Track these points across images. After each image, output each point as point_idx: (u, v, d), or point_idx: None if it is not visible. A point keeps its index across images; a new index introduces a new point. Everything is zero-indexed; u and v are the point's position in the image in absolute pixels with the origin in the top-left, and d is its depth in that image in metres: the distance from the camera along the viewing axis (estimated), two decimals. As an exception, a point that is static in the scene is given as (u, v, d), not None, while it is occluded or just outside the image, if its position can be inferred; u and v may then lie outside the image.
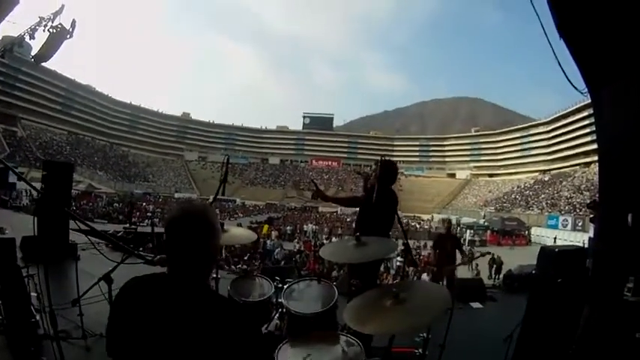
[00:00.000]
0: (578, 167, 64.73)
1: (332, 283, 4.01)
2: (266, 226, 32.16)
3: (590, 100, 5.34)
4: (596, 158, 7.09)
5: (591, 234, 7.97)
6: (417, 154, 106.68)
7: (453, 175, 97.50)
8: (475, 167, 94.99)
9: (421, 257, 26.77)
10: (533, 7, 4.62)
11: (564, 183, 61.32)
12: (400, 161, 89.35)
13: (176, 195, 72.76)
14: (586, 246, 9.02)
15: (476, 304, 9.21)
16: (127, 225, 17.85)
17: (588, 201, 36.96)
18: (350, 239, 3.42)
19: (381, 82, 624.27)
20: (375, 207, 4.20)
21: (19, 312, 4.19)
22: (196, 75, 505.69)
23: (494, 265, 23.32)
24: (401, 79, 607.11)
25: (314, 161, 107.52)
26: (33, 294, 4.58)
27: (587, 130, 59.06)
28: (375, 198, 4.15)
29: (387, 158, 4.85)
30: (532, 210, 56.68)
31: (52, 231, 7.70)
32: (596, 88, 4.95)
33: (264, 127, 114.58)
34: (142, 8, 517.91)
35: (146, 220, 31.31)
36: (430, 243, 34.25)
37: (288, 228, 39.26)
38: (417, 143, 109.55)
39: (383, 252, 3.70)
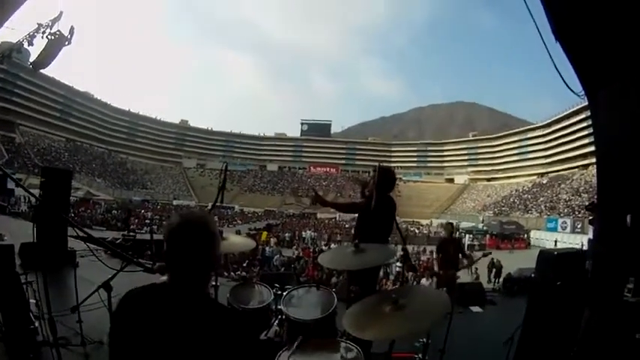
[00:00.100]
0: (576, 170, 64.81)
1: (331, 289, 4.00)
2: (265, 233, 32.18)
3: (587, 103, 5.35)
4: (594, 160, 7.09)
5: (590, 236, 7.98)
6: (415, 159, 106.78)
7: (451, 180, 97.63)
8: (473, 172, 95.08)
9: (420, 262, 26.78)
10: (529, 10, 4.64)
11: (563, 186, 61.45)
12: (398, 167, 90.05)
13: (174, 202, 72.63)
14: (584, 248, 9.03)
15: (475, 308, 9.21)
16: (126, 232, 17.83)
17: (587, 203, 37.05)
18: (348, 246, 3.43)
19: (378, 89, 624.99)
20: (373, 214, 4.20)
21: (18, 319, 4.18)
22: (195, 83, 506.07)
23: (494, 269, 23.34)
24: (398, 85, 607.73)
25: (312, 168, 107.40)
26: (32, 301, 4.57)
27: (585, 133, 59.16)
28: (374, 205, 4.16)
29: (384, 165, 4.86)
30: (531, 213, 56.76)
31: (51, 238, 7.70)
32: (592, 90, 4.96)
33: (262, 134, 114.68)
34: (140, 16, 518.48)
35: (145, 228, 31.26)
36: (429, 248, 34.49)
37: (287, 234, 39.22)
38: (415, 149, 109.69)
39: (381, 258, 3.72)
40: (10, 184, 23.77)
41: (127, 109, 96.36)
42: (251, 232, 33.70)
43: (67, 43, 12.24)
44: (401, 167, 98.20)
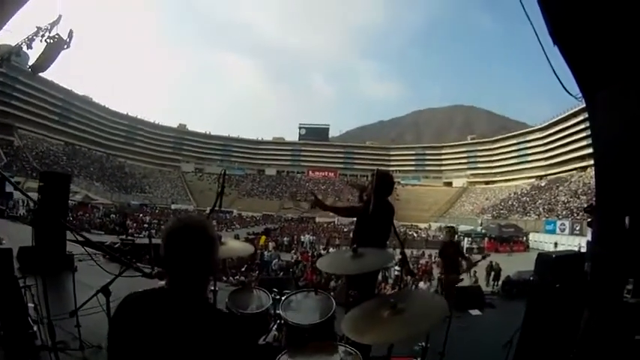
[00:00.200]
0: (574, 172, 64.94)
1: (330, 293, 4.00)
2: (263, 237, 32.10)
3: (584, 105, 5.36)
4: (592, 162, 7.12)
5: (589, 238, 7.98)
6: (413, 163, 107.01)
7: (449, 184, 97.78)
8: (471, 175, 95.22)
9: (419, 266, 26.80)
10: (526, 13, 4.64)
11: (561, 188, 61.52)
12: (396, 171, 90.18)
13: (173, 206, 72.56)
14: (582, 250, 9.02)
15: (474, 311, 9.20)
16: (124, 236, 17.80)
17: (585, 205, 37.03)
18: (347, 251, 3.44)
19: (376, 92, 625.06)
20: (371, 218, 4.21)
21: (16, 323, 4.17)
22: (193, 86, 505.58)
23: (493, 272, 23.35)
24: (396, 88, 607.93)
25: (310, 172, 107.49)
26: (30, 305, 4.56)
27: (583, 135, 59.44)
28: (372, 209, 4.17)
29: (382, 169, 4.87)
30: (529, 216, 56.83)
31: (49, 242, 7.69)
32: (590, 92, 4.96)
33: (260, 139, 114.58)
34: (139, 19, 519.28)
35: (143, 232, 31.23)
36: (428, 251, 34.52)
37: (286, 239, 39.17)
38: (413, 152, 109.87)
39: (380, 263, 3.71)
40: (9, 188, 23.73)
41: (126, 112, 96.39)
42: (249, 237, 33.72)
43: (65, 46, 12.26)
44: (399, 171, 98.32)
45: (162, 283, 1.68)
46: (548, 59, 4.74)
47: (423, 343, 3.57)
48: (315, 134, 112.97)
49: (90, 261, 5.63)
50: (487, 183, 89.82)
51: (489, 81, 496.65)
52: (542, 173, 76.33)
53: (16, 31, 11.60)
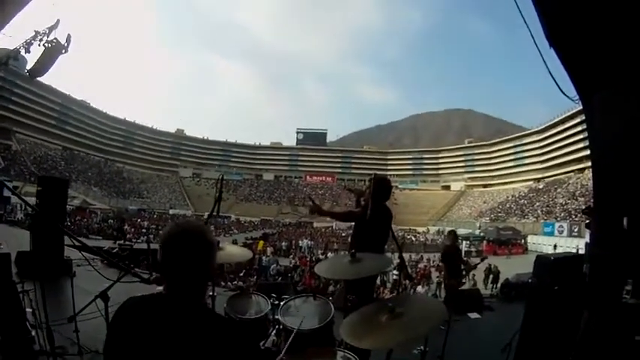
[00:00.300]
0: (572, 174, 64.95)
1: (328, 298, 4.00)
2: (261, 242, 32.10)
3: (581, 107, 5.37)
4: (589, 164, 7.14)
5: (587, 239, 7.98)
6: (411, 167, 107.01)
7: (447, 187, 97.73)
8: (469, 178, 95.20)
9: (417, 270, 26.81)
10: (522, 16, 4.66)
11: (559, 190, 61.53)
12: (394, 175, 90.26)
13: (171, 211, 72.59)
14: (580, 252, 9.01)
15: (473, 315, 9.19)
16: (122, 241, 17.75)
17: (583, 207, 37.05)
18: (345, 255, 3.43)
19: (374, 97, 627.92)
20: (369, 223, 4.21)
21: (15, 328, 4.16)
22: (190, 92, 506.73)
23: (491, 275, 23.35)
24: (393, 93, 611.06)
25: (308, 177, 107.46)
26: (28, 310, 4.55)
27: (580, 137, 59.45)
28: (370, 215, 4.17)
29: (379, 174, 4.88)
30: (527, 218, 56.79)
31: (47, 247, 7.69)
32: (587, 94, 4.97)
33: (258, 144, 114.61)
34: (136, 25, 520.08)
35: (142, 237, 31.16)
36: (426, 255, 34.56)
37: (284, 244, 39.08)
38: (411, 156, 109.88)
39: (378, 268, 3.72)
40: (6, 192, 23.70)
41: (124, 117, 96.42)
42: (247, 242, 33.68)
43: (63, 51, 12.23)
44: (397, 175, 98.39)
45: (160, 288, 1.67)
46: (544, 62, 4.75)
47: (422, 347, 3.56)
48: (312, 139, 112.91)
49: (88, 266, 5.61)
50: (485, 186, 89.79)
51: (486, 84, 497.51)
52: (540, 176, 76.35)
53: (14, 35, 11.62)
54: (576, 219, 42.55)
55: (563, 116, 69.17)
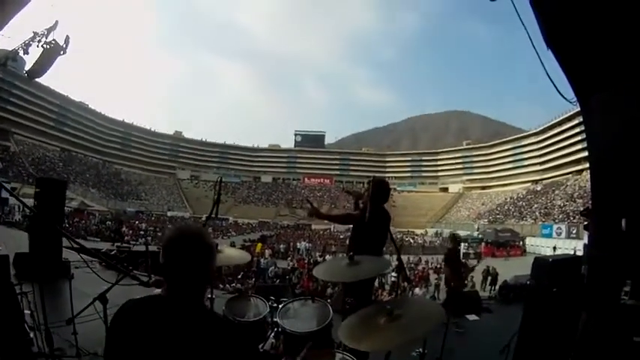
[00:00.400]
0: (570, 175, 64.98)
1: (326, 301, 4.00)
2: (259, 245, 32.11)
3: (579, 109, 5.38)
4: (587, 166, 7.15)
5: (586, 241, 7.99)
6: (409, 169, 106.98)
7: (445, 190, 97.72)
8: (467, 180, 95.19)
9: (416, 272, 26.82)
10: (520, 18, 4.67)
11: (557, 192, 61.62)
12: (392, 177, 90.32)
13: (169, 213, 72.34)
14: (578, 253, 9.02)
15: (472, 317, 9.19)
16: (120, 243, 17.73)
17: (582, 208, 37.08)
18: (343, 258, 3.44)
19: (372, 99, 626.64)
20: (367, 225, 4.21)
21: (13, 329, 4.15)
22: (189, 93, 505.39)
23: (489, 277, 23.36)
24: (391, 95, 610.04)
25: (306, 179, 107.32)
26: (26, 311, 4.54)
27: (578, 138, 59.32)
28: (368, 217, 4.17)
29: (378, 177, 4.88)
30: (526, 220, 56.85)
31: (45, 248, 7.68)
32: (584, 96, 4.99)
33: (256, 146, 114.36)
34: (135, 27, 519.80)
35: (140, 239, 31.11)
36: (425, 258, 34.55)
37: (282, 246, 39.14)
38: (409, 159, 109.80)
39: (376, 270, 3.72)
40: (4, 193, 23.69)
41: (122, 119, 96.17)
42: (245, 244, 33.72)
43: (62, 52, 12.22)
44: (395, 177, 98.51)
45: (159, 291, 1.67)
46: (542, 64, 4.76)
47: (421, 350, 3.57)
48: (310, 141, 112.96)
49: (86, 268, 5.60)
50: (483, 188, 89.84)
51: (484, 86, 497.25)
52: (538, 177, 76.43)
53: (13, 36, 11.62)
54: (574, 221, 42.65)
55: (561, 118, 69.31)
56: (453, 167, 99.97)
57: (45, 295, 4.20)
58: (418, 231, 70.78)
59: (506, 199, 74.03)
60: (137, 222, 49.27)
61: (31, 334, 4.32)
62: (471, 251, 39.79)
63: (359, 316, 2.59)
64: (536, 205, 61.18)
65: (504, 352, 4.97)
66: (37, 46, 12.18)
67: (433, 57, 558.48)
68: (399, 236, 53.67)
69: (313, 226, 66.59)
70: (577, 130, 59.85)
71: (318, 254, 34.72)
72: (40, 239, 7.93)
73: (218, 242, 3.73)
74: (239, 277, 19.54)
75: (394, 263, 3.93)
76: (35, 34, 12.17)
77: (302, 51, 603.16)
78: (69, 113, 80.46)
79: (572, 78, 4.90)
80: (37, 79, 16.73)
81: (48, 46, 12.11)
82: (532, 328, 4.68)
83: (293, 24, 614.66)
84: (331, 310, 3.60)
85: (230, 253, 4.23)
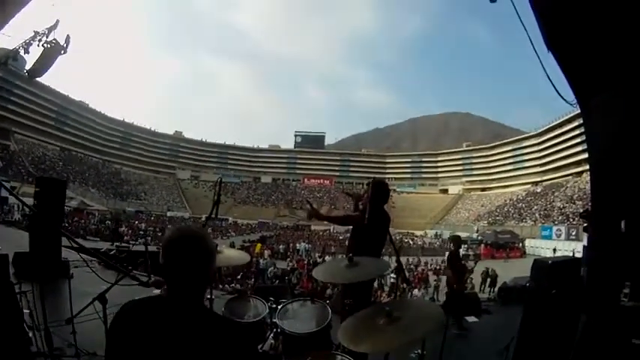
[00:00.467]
0: (570, 177, 65.03)
1: (325, 302, 4.00)
2: (259, 245, 32.06)
3: (579, 111, 5.39)
4: (587, 167, 7.15)
5: (585, 243, 8.00)
6: (409, 170, 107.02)
7: (445, 191, 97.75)
8: (467, 182, 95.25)
9: (415, 274, 26.82)
10: (521, 21, 4.67)
11: (557, 193, 61.65)
12: (392, 178, 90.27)
13: (168, 214, 72.40)
14: (577, 255, 9.01)
15: (471, 318, 9.18)
16: (119, 243, 17.71)
17: (581, 210, 37.09)
18: (342, 259, 3.44)
19: (372, 100, 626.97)
20: (367, 227, 4.21)
21: (12, 329, 4.15)
22: (189, 94, 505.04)
23: (489, 279, 23.36)
24: (391, 96, 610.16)
25: (306, 180, 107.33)
26: (25, 311, 4.53)
27: (578, 140, 59.36)
28: (367, 218, 4.17)
29: (378, 178, 4.88)
30: (525, 222, 56.90)
31: (45, 248, 7.67)
32: (585, 98, 5.00)
33: (256, 146, 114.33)
34: (136, 27, 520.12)
35: (139, 239, 31.08)
36: (424, 259, 34.55)
37: (281, 247, 39.15)
38: (409, 160, 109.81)
39: (375, 272, 3.73)
40: (4, 192, 23.69)
41: (122, 118, 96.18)
42: (245, 244, 33.68)
43: (62, 52, 12.21)
44: (395, 179, 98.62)
45: (158, 291, 1.68)
46: (543, 66, 4.77)
47: (420, 351, 3.56)
48: (310, 142, 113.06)
49: (85, 268, 5.60)
50: (483, 190, 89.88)
51: (485, 88, 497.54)
52: (538, 179, 76.44)
53: (13, 36, 11.62)
54: (574, 222, 42.66)
55: (561, 120, 69.37)
56: (452, 169, 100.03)
57: (44, 294, 4.20)
58: (418, 232, 70.74)
59: (505, 200, 74.07)
60: (137, 222, 49.30)
61: (30, 334, 4.31)
62: (470, 253, 39.82)
63: (358, 318, 2.59)
64: (535, 207, 61.19)
65: (504, 353, 4.97)
66: (38, 46, 12.16)
67: (433, 58, 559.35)
68: (398, 237, 53.60)
69: (313, 227, 66.55)
70: (577, 132, 59.86)
71: (317, 255, 34.71)
72: (40, 238, 7.94)
73: (217, 243, 3.74)
74: (238, 277, 19.52)
75: (393, 265, 3.92)
76: (36, 33, 12.16)
77: (302, 52, 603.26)
78: (69, 113, 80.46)
79: (572, 80, 4.91)
80: (37, 79, 16.76)
81: (48, 46, 12.10)
82: (531, 329, 4.68)
83: (293, 25, 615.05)
84: (330, 311, 3.61)
85: (229, 253, 4.23)
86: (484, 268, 24.95)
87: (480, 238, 47.75)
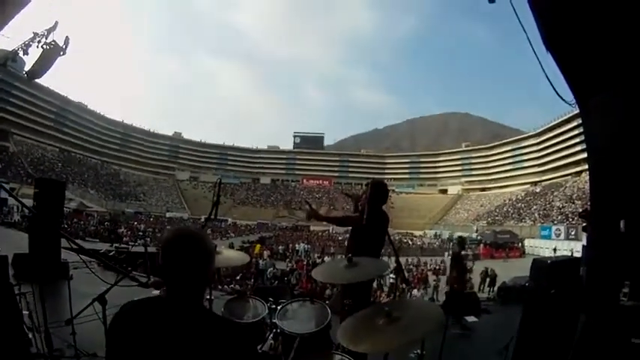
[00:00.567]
0: (569, 177, 65.00)
1: (325, 302, 4.00)
2: (258, 246, 32.03)
3: (578, 111, 5.40)
4: (586, 167, 7.16)
5: (584, 242, 8.00)
6: (408, 171, 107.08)
7: (444, 191, 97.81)
8: (466, 182, 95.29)
9: (415, 274, 26.83)
10: (520, 21, 4.67)
11: (556, 193, 61.64)
12: (392, 178, 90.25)
13: (168, 214, 72.41)
14: (576, 254, 9.02)
15: (470, 318, 9.18)
16: (118, 244, 17.71)
17: (580, 210, 37.11)
18: (342, 260, 3.44)
19: (371, 101, 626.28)
20: (366, 227, 4.22)
21: (11, 330, 4.15)
22: (188, 95, 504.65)
23: (488, 279, 23.36)
24: (390, 97, 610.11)
25: (305, 180, 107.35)
26: (25, 312, 4.53)
27: (577, 140, 59.37)
28: (366, 219, 4.18)
29: (376, 179, 4.89)
30: (525, 222, 56.90)
31: (44, 249, 7.68)
32: (583, 98, 5.00)
33: (255, 147, 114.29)
34: (135, 28, 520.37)
35: (138, 240, 31.08)
36: (423, 259, 34.57)
37: (280, 247, 39.11)
38: (408, 160, 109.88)
39: (374, 272, 3.74)
40: (3, 194, 23.69)
41: (121, 119, 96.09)
42: (244, 245, 33.64)
43: (62, 53, 12.21)
44: (394, 179, 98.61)
45: (157, 292, 1.68)
46: (541, 66, 4.77)
47: (419, 351, 3.57)
48: (309, 143, 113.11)
49: (85, 269, 5.60)
50: (482, 190, 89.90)
51: (483, 88, 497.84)
52: (537, 179, 76.45)
53: (12, 37, 11.61)
54: (573, 222, 42.66)
55: (560, 120, 69.41)
56: (452, 169, 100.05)
57: (44, 295, 4.19)
58: (417, 232, 70.78)
59: (505, 200, 74.09)
60: (136, 223, 49.21)
61: (30, 335, 4.31)
62: (469, 253, 39.87)
63: (357, 318, 2.59)
64: (535, 207, 61.21)
65: (503, 353, 4.97)
66: (37, 47, 12.16)
67: (432, 59, 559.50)
68: (397, 238, 53.70)
69: (312, 228, 66.55)
70: (576, 132, 59.90)
71: (316, 255, 34.72)
72: (40, 240, 7.94)
73: (217, 243, 3.74)
74: (238, 278, 19.50)
75: (392, 265, 3.93)
76: (35, 34, 12.15)
77: (301, 52, 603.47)
78: (68, 114, 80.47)
79: (571, 80, 4.91)
80: (36, 80, 16.71)
81: (47, 47, 12.09)
82: (531, 329, 4.69)
83: (292, 25, 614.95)
84: (330, 312, 3.61)
85: (229, 254, 4.23)
86: (483, 268, 24.98)
87: (479, 238, 47.80)
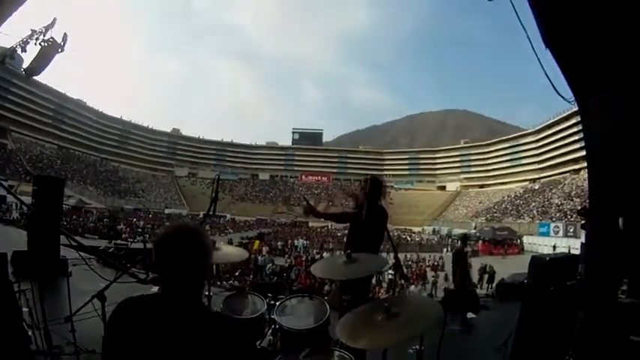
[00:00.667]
0: (567, 174, 64.87)
1: (324, 298, 4.01)
2: (257, 242, 32.05)
3: (577, 108, 5.40)
4: (585, 165, 7.14)
5: (583, 240, 8.00)
6: (407, 167, 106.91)
7: (443, 188, 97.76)
8: (465, 179, 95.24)
9: (413, 270, 26.86)
10: (519, 18, 4.67)
11: (554, 190, 61.60)
12: (390, 175, 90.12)
13: (166, 211, 72.40)
14: (573, 252, 9.02)
15: (469, 314, 9.19)
16: (117, 240, 17.70)
17: (579, 207, 37.13)
18: (340, 256, 3.44)
19: (369, 97, 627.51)
20: (365, 223, 4.22)
21: (11, 328, 4.15)
22: (187, 91, 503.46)
23: (486, 275, 23.36)
24: (389, 93, 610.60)
25: (304, 176, 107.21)
26: (24, 309, 4.53)
27: (576, 138, 59.28)
28: (365, 215, 4.18)
29: (374, 176, 4.88)
30: (523, 219, 56.88)
31: (43, 246, 7.68)
32: (582, 96, 5.00)
33: (253, 143, 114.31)
34: (134, 24, 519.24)
35: (138, 237, 31.04)
36: (422, 255, 34.58)
37: (279, 243, 39.11)
38: (407, 157, 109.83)
39: (373, 268, 3.75)
40: (2, 191, 23.69)
41: (119, 116, 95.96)
42: (243, 241, 33.61)
43: (60, 50, 12.19)
44: (393, 175, 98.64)
45: (156, 288, 1.67)
46: (541, 63, 4.77)
47: (418, 347, 3.57)
48: (308, 139, 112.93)
49: (84, 266, 5.60)
50: (481, 186, 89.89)
51: (482, 85, 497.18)
52: (536, 176, 76.40)
53: (10, 34, 11.59)
54: (572, 219, 42.71)
55: (559, 117, 69.23)
56: (450, 165, 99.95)
57: (43, 292, 4.19)
58: (415, 229, 70.92)
59: (503, 197, 74.06)
60: (135, 219, 49.15)
61: (30, 332, 4.31)
62: (468, 249, 39.81)
63: (356, 314, 2.59)
64: (533, 204, 61.21)
65: (502, 349, 4.98)
66: (35, 44, 12.14)
67: (431, 56, 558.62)
68: (396, 234, 53.71)
69: (311, 224, 66.41)
70: (575, 129, 59.81)
71: (315, 252, 34.74)
72: (39, 237, 7.94)
73: (215, 239, 3.74)
74: (236, 274, 19.47)
75: (391, 261, 3.93)
76: (33, 31, 12.13)
77: (300, 49, 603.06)
78: (66, 111, 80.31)
79: (570, 78, 4.91)
80: (34, 77, 16.69)
81: (46, 44, 12.07)
82: (529, 326, 4.69)
83: (292, 23, 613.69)
84: (328, 308, 3.61)
85: (227, 250, 4.24)
86: (481, 264, 24.99)
87: (477, 234, 47.77)
